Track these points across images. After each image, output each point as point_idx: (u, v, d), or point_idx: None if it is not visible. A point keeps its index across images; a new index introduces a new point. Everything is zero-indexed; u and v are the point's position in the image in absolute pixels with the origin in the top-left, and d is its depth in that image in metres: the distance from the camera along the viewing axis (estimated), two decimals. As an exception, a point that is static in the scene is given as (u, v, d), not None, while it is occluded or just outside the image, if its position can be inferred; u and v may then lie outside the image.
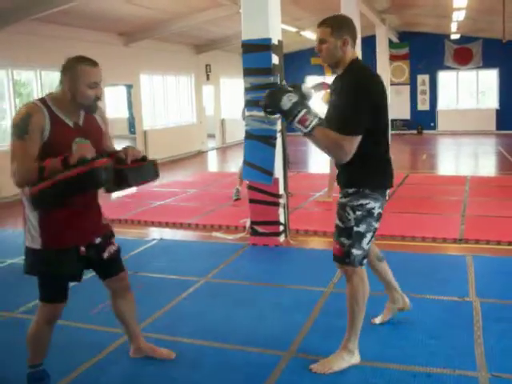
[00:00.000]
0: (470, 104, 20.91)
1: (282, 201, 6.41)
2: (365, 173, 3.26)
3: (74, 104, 2.99)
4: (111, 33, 13.10)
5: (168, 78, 16.43)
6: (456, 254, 5.87)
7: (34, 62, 10.90)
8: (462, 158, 15.20)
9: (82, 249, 3.11)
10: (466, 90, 21.17)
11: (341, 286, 4.79)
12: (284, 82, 6.51)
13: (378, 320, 4.00)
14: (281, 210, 6.42)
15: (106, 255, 3.26)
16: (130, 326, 3.56)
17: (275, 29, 6.31)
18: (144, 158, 3.19)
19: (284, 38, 6.60)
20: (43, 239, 3.01)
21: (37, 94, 11.30)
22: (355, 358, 3.45)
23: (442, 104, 21.15)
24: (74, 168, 2.78)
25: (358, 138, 3.08)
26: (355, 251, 3.28)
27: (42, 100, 3.00)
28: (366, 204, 3.26)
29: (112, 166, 2.90)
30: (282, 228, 6.46)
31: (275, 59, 6.20)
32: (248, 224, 6.63)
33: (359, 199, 3.26)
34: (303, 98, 3.23)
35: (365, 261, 3.37)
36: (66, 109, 3.00)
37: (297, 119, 3.09)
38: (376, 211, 3.30)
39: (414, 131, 20.97)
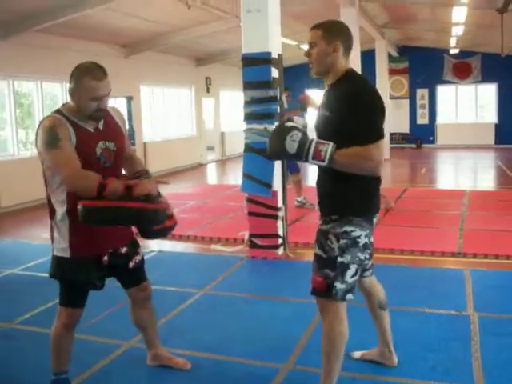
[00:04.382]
0: (469, 118, 20.99)
1: (280, 213, 6.42)
2: (350, 196, 2.92)
3: (80, 113, 2.99)
4: (112, 44, 13.19)
5: (168, 90, 16.50)
6: (454, 267, 5.88)
7: (35, 72, 10.97)
8: (461, 172, 15.24)
9: (105, 258, 3.14)
10: (465, 105, 21.25)
11: (339, 299, 4.81)
12: (283, 96, 6.56)
13: (356, 355, 3.71)
14: (279, 223, 6.43)
15: (131, 264, 3.30)
16: (148, 334, 3.62)
17: (275, 42, 6.36)
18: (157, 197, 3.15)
19: (284, 52, 6.64)
20: (71, 247, 3.04)
21: (37, 105, 11.36)
22: None
23: (441, 118, 21.23)
24: (139, 201, 2.83)
25: (383, 143, 2.81)
26: (338, 284, 2.89)
27: (59, 111, 3.00)
28: (351, 232, 2.89)
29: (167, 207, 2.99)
30: (280, 241, 6.47)
31: (275, 73, 6.24)
32: (247, 237, 6.65)
33: (343, 226, 2.90)
34: (303, 130, 2.93)
35: (348, 296, 2.94)
36: (80, 116, 2.99)
37: (310, 157, 2.79)
38: (362, 240, 2.92)
39: (413, 145, 21.03)
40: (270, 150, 2.94)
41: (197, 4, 10.45)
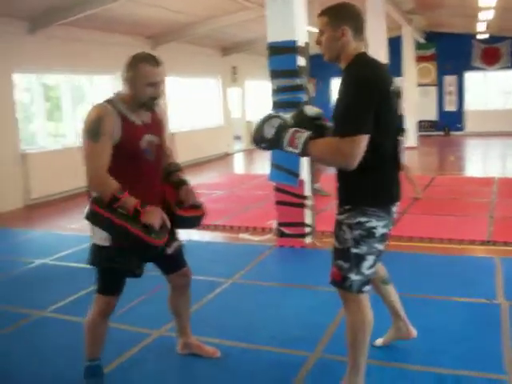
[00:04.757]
0: (498, 105, 20.66)
1: (308, 202, 6.42)
2: (363, 186, 2.81)
3: (136, 101, 3.05)
4: (138, 36, 13.24)
5: (194, 81, 16.53)
6: (484, 255, 5.83)
7: (63, 66, 11.06)
8: (490, 160, 15.03)
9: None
10: (494, 91, 20.93)
11: (367, 288, 4.80)
12: (310, 85, 6.53)
13: (378, 342, 3.69)
14: (307, 212, 6.43)
15: (170, 251, 3.33)
16: (182, 321, 3.68)
17: (301, 31, 6.32)
18: (197, 205, 3.33)
19: (311, 40, 6.60)
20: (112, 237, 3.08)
21: (66, 98, 11.47)
22: None
23: (469, 105, 20.92)
24: (140, 228, 2.89)
25: (361, 139, 2.59)
26: (353, 276, 2.84)
27: (110, 101, 3.05)
28: (366, 222, 2.79)
29: (168, 230, 3.05)
30: (308, 230, 6.47)
31: (301, 61, 6.22)
32: (274, 225, 6.66)
33: (356, 216, 2.81)
34: (308, 120, 2.93)
35: (366, 288, 2.91)
36: (132, 107, 3.06)
37: (285, 144, 2.74)
38: (379, 231, 2.82)
39: (441, 132, 20.79)
40: (251, 137, 2.92)
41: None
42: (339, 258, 2.90)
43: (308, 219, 6.45)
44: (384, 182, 2.85)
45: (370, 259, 2.85)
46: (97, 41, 11.70)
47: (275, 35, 6.23)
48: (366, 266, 2.85)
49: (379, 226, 2.82)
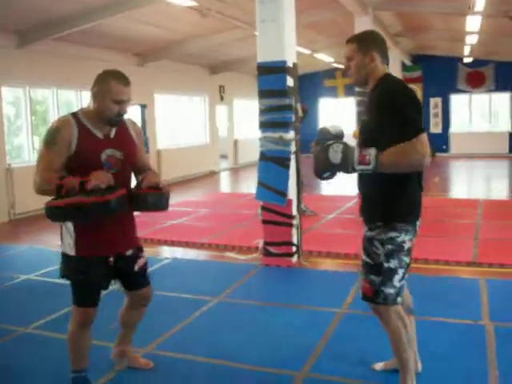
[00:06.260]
0: (483, 127, 20.91)
1: (294, 222, 6.43)
2: (395, 203, 2.98)
3: (100, 116, 3.10)
4: (127, 53, 13.28)
5: (182, 98, 16.58)
6: (469, 277, 5.85)
7: (51, 80, 11.07)
8: (475, 181, 15.18)
9: (111, 259, 3.23)
10: (479, 113, 21.18)
11: (354, 308, 4.82)
12: (298, 104, 6.59)
13: (378, 366, 3.68)
14: (294, 231, 6.44)
15: (136, 267, 3.37)
16: (127, 332, 3.70)
17: (290, 51, 6.39)
18: (158, 187, 3.24)
19: (298, 60, 6.67)
20: (76, 246, 3.15)
21: (53, 113, 11.45)
22: None
23: (454, 127, 21.15)
24: (89, 195, 2.89)
25: (424, 136, 2.79)
26: (387, 290, 3.00)
27: (74, 114, 3.15)
28: (396, 237, 2.97)
29: (125, 196, 3.03)
30: (294, 249, 6.47)
31: (290, 81, 6.27)
32: (261, 245, 6.65)
33: (388, 232, 2.97)
34: (341, 139, 3.10)
35: (399, 299, 3.06)
36: (95, 121, 3.13)
37: (355, 163, 2.82)
38: (407, 245, 3.01)
39: (427, 154, 20.89)
40: (316, 167, 2.98)
41: (211, 13, 10.52)
42: (371, 272, 3.04)
43: (295, 238, 6.46)
44: (414, 198, 3.08)
45: (400, 272, 3.01)
46: (86, 56, 11.72)
47: (265, 55, 6.29)
48: (398, 279, 3.01)
49: (407, 240, 3.01)
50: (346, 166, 2.85)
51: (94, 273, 3.17)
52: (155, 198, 3.18)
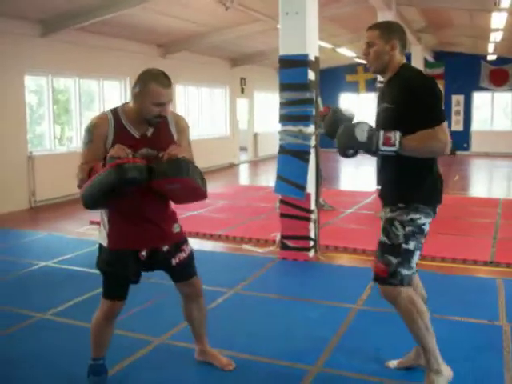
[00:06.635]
0: (505, 126, 20.69)
1: (313, 216, 6.42)
2: (417, 185, 3.05)
3: (140, 116, 3.09)
4: (149, 44, 13.32)
5: (203, 90, 16.60)
6: (486, 276, 5.81)
7: (73, 70, 11.15)
8: (495, 181, 15.04)
9: (143, 253, 3.20)
10: (501, 112, 20.96)
11: (369, 304, 4.81)
12: (319, 99, 6.57)
13: (392, 364, 3.64)
14: (311, 226, 6.43)
15: (174, 262, 3.35)
16: (195, 329, 3.68)
17: (312, 45, 6.37)
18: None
19: (319, 54, 6.65)
20: (109, 238, 3.17)
21: (74, 102, 11.53)
22: (446, 374, 3.20)
23: (476, 125, 20.96)
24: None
25: (446, 125, 2.92)
26: (405, 271, 3.04)
27: (115, 110, 3.16)
28: (417, 219, 3.04)
29: (143, 166, 2.89)
30: (312, 243, 6.47)
31: (312, 75, 6.25)
32: (278, 238, 6.66)
33: (409, 213, 3.03)
34: (345, 120, 3.22)
35: (412, 280, 3.14)
36: (134, 120, 3.12)
37: (380, 143, 2.93)
38: (426, 228, 3.09)
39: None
40: (342, 142, 3.07)
41: (234, 5, 10.51)
42: (388, 253, 3.06)
43: (312, 233, 6.45)
44: (434, 182, 3.11)
45: (417, 253, 3.08)
46: (108, 47, 11.79)
47: (287, 48, 6.27)
48: (414, 261, 3.08)
49: (427, 223, 3.08)
50: (370, 145, 2.95)
51: (122, 266, 3.18)
52: (170, 164, 2.97)
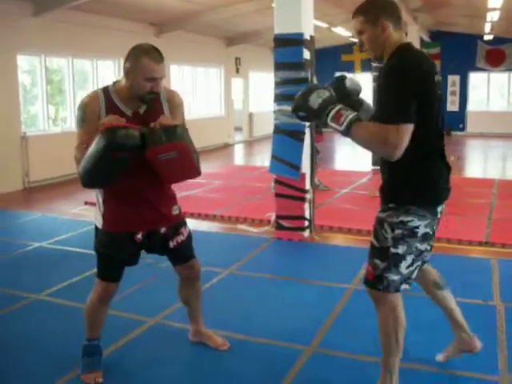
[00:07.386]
0: (501, 106, 20.65)
1: (307, 196, 6.41)
2: (409, 185, 2.73)
3: (132, 93, 3.01)
4: (143, 23, 13.19)
5: (198, 70, 16.49)
6: (481, 256, 5.82)
7: (67, 49, 11.04)
8: (491, 161, 15.04)
9: (139, 236, 3.16)
10: (497, 92, 20.91)
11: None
12: (315, 78, 6.52)
13: (441, 357, 3.46)
14: (306, 205, 6.42)
15: (171, 244, 3.31)
16: (191, 310, 3.68)
17: (308, 23, 6.31)
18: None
19: (315, 34, 6.59)
20: (104, 220, 3.13)
21: (68, 82, 11.44)
22: None
23: (471, 105, 20.92)
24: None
25: (405, 128, 2.52)
26: (391, 276, 2.76)
27: (106, 88, 3.09)
28: (408, 222, 2.71)
29: (134, 131, 2.81)
30: (306, 223, 6.46)
31: (307, 54, 6.20)
32: (273, 218, 6.65)
33: (400, 215, 2.72)
34: (345, 94, 2.90)
35: (403, 287, 2.82)
36: (126, 97, 3.04)
37: (330, 117, 2.63)
38: (421, 231, 2.75)
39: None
40: (294, 103, 2.80)
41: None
42: (376, 256, 2.82)
43: (307, 213, 6.44)
44: (429, 180, 2.75)
45: (409, 259, 2.77)
46: (101, 26, 11.66)
47: (282, 27, 6.21)
48: (405, 266, 2.77)
49: (421, 226, 2.74)
50: (320, 115, 2.69)
51: (118, 249, 3.15)
52: (166, 130, 2.91)
